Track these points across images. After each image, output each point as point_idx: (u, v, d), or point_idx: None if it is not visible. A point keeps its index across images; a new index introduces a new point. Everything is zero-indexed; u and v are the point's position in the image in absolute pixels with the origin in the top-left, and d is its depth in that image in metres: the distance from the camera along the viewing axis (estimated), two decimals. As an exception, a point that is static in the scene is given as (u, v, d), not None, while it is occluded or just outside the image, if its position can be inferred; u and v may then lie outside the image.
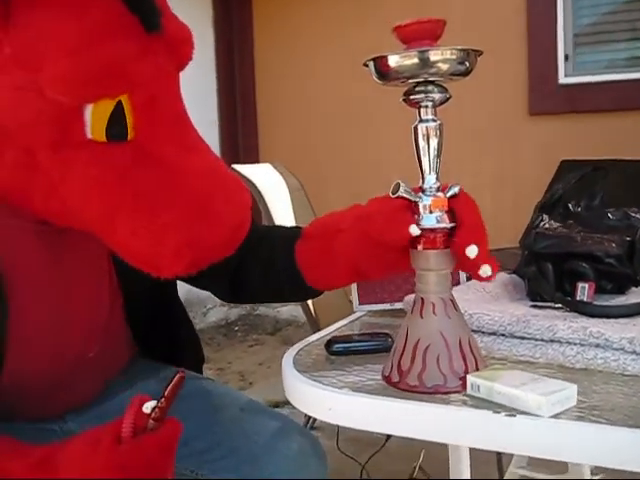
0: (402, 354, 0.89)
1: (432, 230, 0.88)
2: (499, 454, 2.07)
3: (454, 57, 0.85)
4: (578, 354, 0.94)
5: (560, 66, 3.57)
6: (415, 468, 2.00)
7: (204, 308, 4.32)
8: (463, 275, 1.29)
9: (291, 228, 1.14)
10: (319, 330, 1.18)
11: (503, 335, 1.02)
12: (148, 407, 0.83)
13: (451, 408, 0.81)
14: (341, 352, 1.02)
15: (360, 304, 1.26)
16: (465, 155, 3.70)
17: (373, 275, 1.01)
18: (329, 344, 1.03)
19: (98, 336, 1.06)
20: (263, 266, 1.09)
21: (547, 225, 1.23)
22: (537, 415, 0.76)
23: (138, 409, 0.83)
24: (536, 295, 1.15)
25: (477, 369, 0.87)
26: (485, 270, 0.86)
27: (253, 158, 4.40)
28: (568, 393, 0.79)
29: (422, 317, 0.89)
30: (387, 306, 1.25)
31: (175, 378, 0.83)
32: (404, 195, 0.89)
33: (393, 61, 0.86)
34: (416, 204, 0.89)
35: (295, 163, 2.83)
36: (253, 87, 4.50)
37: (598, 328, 0.95)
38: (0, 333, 0.91)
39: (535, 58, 3.60)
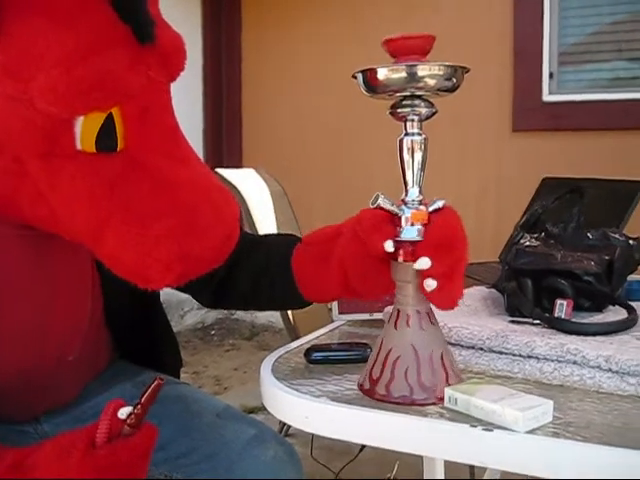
0: (374, 363, 0.90)
1: (412, 243, 0.88)
2: (472, 467, 2.07)
3: (441, 73, 0.86)
4: (555, 370, 0.95)
5: (544, 84, 3.60)
6: (389, 479, 2.00)
7: (181, 311, 4.31)
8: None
9: (291, 235, 1.13)
10: (297, 337, 1.19)
11: (481, 349, 1.02)
12: (123, 413, 0.83)
13: (428, 420, 0.82)
14: (320, 361, 1.02)
15: (339, 313, 1.26)
16: (449, 170, 3.73)
17: (360, 287, 0.97)
18: (308, 352, 1.03)
19: (78, 340, 1.06)
20: (255, 271, 1.08)
21: (527, 243, 1.24)
22: (513, 430, 0.77)
23: (113, 414, 0.83)
24: (515, 310, 1.15)
25: (447, 383, 0.87)
26: (428, 283, 0.85)
27: (236, 163, 4.40)
28: (544, 409, 0.80)
29: (396, 328, 0.89)
30: (366, 316, 1.25)
31: (152, 385, 0.82)
32: (382, 206, 0.89)
33: (381, 74, 0.87)
34: (398, 216, 0.89)
35: (279, 169, 2.82)
36: (239, 92, 4.50)
37: (575, 345, 0.95)
38: None
39: (520, 75, 3.63)
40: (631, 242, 1.23)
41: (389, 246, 0.87)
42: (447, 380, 0.87)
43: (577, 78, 3.65)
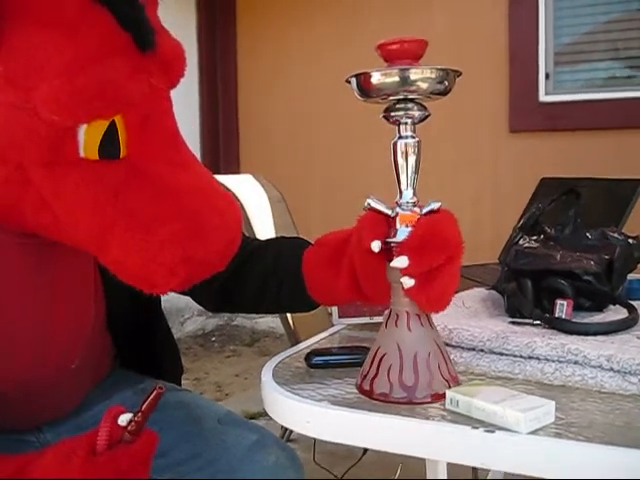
0: (367, 361, 0.92)
1: None
2: (475, 469, 2.07)
3: (434, 76, 0.87)
4: (556, 371, 0.95)
5: (541, 84, 3.60)
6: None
7: (181, 318, 4.31)
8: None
9: (300, 238, 1.13)
10: (297, 342, 1.18)
11: (482, 351, 1.02)
12: (123, 420, 0.83)
13: (429, 423, 0.81)
14: (320, 365, 1.02)
15: (340, 317, 1.26)
16: (446, 171, 3.73)
17: (369, 290, 0.97)
18: (308, 357, 1.03)
19: (81, 347, 1.05)
20: (262, 275, 1.08)
21: (527, 244, 1.24)
22: (515, 431, 0.77)
23: (113, 421, 0.83)
24: (515, 311, 1.15)
25: (430, 386, 0.87)
26: (403, 281, 0.86)
27: (234, 169, 4.40)
28: (546, 410, 0.80)
29: (386, 328, 0.91)
30: (367, 319, 1.25)
31: (153, 393, 0.82)
32: (373, 206, 0.90)
33: (375, 78, 0.88)
34: (393, 218, 0.90)
35: (276, 175, 2.83)
36: (235, 98, 4.50)
37: (576, 345, 0.95)
38: None
39: (516, 76, 3.64)
40: (630, 241, 1.23)
41: (375, 246, 0.88)
42: (431, 382, 0.88)
43: (573, 78, 3.66)
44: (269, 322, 4.31)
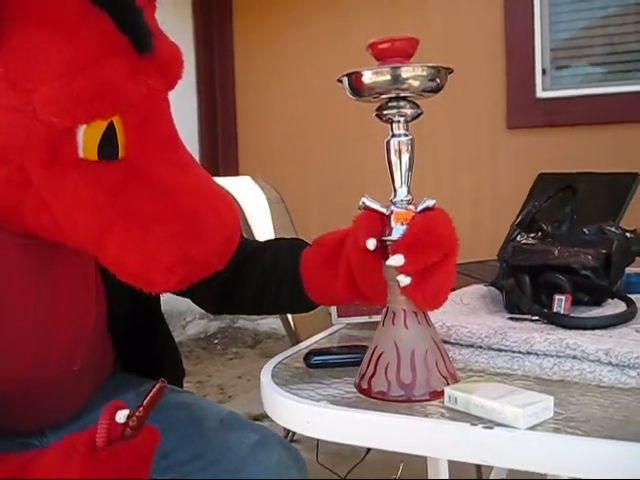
0: (365, 359, 0.92)
1: None
2: (478, 466, 2.07)
3: (425, 74, 0.87)
4: (555, 366, 0.95)
5: (538, 80, 3.60)
6: (394, 480, 2.00)
7: (183, 321, 4.31)
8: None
9: (298, 239, 1.13)
10: (298, 342, 1.18)
11: (481, 347, 1.02)
12: (121, 416, 0.83)
13: (428, 420, 0.81)
14: (319, 365, 1.02)
15: (339, 317, 1.26)
16: (444, 169, 3.73)
17: (366, 289, 0.97)
18: (307, 357, 1.03)
19: (82, 348, 1.06)
20: (261, 276, 1.08)
21: (524, 241, 1.24)
22: (514, 427, 0.77)
23: (111, 416, 0.83)
24: (514, 307, 1.15)
25: (429, 383, 0.87)
26: (399, 279, 0.86)
27: (233, 171, 4.40)
28: (545, 405, 0.79)
29: (383, 326, 0.92)
30: (366, 318, 1.25)
31: (155, 387, 0.83)
32: (368, 205, 0.91)
33: (366, 77, 0.88)
34: (388, 217, 0.90)
35: (275, 177, 2.83)
36: (233, 100, 4.50)
37: (575, 340, 0.95)
38: None
39: (513, 72, 3.64)
40: (628, 235, 1.23)
41: (370, 244, 0.89)
42: (428, 380, 0.88)
43: (570, 73, 3.66)
44: (271, 324, 4.31)
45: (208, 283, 0.96)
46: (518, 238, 1.26)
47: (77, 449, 0.82)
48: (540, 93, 3.60)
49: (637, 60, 3.46)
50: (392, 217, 0.90)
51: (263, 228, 2.21)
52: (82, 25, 0.79)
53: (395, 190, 0.91)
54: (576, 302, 1.14)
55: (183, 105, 4.20)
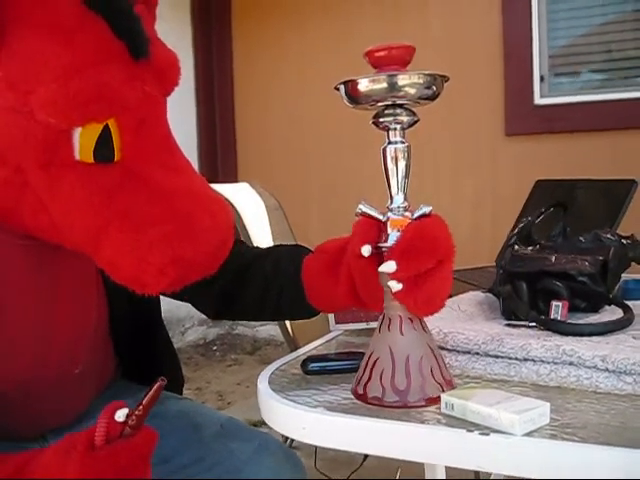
0: (362, 365, 0.92)
1: None
2: (477, 472, 2.07)
3: (421, 82, 0.88)
4: (551, 372, 0.95)
5: (536, 87, 3.61)
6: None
7: (182, 327, 4.30)
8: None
9: (300, 246, 1.14)
10: (297, 349, 1.19)
11: (477, 354, 1.02)
12: (120, 415, 0.83)
13: (424, 427, 0.81)
14: (317, 371, 1.02)
15: (336, 323, 1.26)
16: (444, 176, 3.74)
17: (366, 296, 0.98)
18: (305, 363, 1.03)
19: (84, 352, 1.06)
20: (262, 282, 1.08)
21: (522, 251, 1.24)
22: (510, 433, 0.77)
23: (111, 416, 0.84)
24: (511, 314, 1.15)
25: (423, 389, 0.88)
26: (391, 284, 0.87)
27: (232, 178, 4.40)
28: (541, 411, 0.80)
29: (380, 332, 0.92)
30: (363, 325, 1.25)
31: (155, 386, 0.83)
32: (364, 211, 0.91)
33: (362, 85, 0.89)
34: (384, 223, 0.91)
35: (274, 182, 2.83)
36: (232, 107, 4.51)
37: (571, 346, 0.95)
38: None
39: (511, 79, 3.64)
40: (624, 241, 1.23)
41: (365, 251, 0.90)
42: (423, 386, 0.88)
43: (568, 80, 3.67)
44: (270, 330, 4.30)
45: (209, 288, 0.97)
46: (516, 246, 1.26)
47: (76, 448, 0.83)
48: (538, 100, 3.61)
49: (635, 67, 3.47)
50: (388, 224, 0.91)
51: (261, 235, 2.21)
52: (79, 30, 0.80)
53: (392, 197, 0.92)
54: (573, 308, 1.14)
55: (181, 111, 4.20)
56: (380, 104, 0.90)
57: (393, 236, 0.90)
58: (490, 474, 1.98)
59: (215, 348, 4.37)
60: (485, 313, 1.22)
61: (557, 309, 1.11)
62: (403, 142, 0.91)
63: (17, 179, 0.83)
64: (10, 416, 1.00)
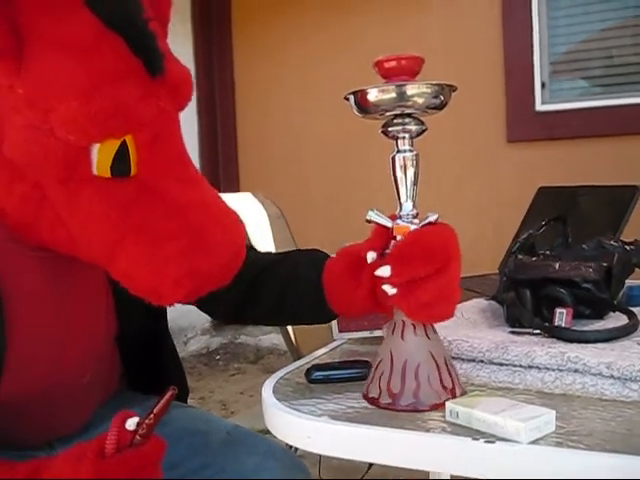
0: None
1: None
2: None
3: (429, 91, 0.90)
4: (556, 379, 0.95)
5: (537, 94, 3.61)
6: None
7: (185, 337, 4.30)
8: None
9: (318, 250, 1.15)
10: (300, 358, 1.18)
11: (482, 361, 1.02)
12: (131, 424, 0.84)
13: (429, 435, 0.81)
14: (321, 380, 1.02)
15: (340, 332, 1.26)
16: (445, 183, 3.73)
17: (382, 298, 0.98)
18: (309, 372, 1.03)
19: (92, 362, 1.07)
20: (280, 286, 1.10)
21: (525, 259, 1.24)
22: (516, 441, 0.76)
23: (121, 424, 0.84)
24: (515, 321, 1.15)
25: (416, 395, 0.89)
26: (383, 288, 0.90)
27: (234, 187, 4.40)
28: (547, 419, 0.79)
29: (386, 335, 0.95)
30: (367, 333, 1.25)
31: (166, 395, 0.84)
32: (372, 219, 0.94)
33: (372, 95, 0.91)
34: (391, 230, 0.93)
35: (276, 192, 2.83)
36: (233, 117, 4.51)
37: (576, 353, 0.95)
38: None
39: (512, 86, 3.64)
40: (627, 247, 1.23)
41: (369, 257, 0.94)
42: (416, 392, 0.89)
43: (569, 86, 3.67)
44: (273, 339, 4.30)
45: (223, 295, 0.98)
46: (519, 255, 1.26)
47: (87, 455, 0.84)
48: (539, 106, 3.61)
49: (636, 72, 3.47)
50: (393, 231, 0.92)
51: (264, 243, 2.21)
52: (97, 48, 0.82)
53: (401, 204, 0.94)
54: (577, 315, 1.14)
55: (183, 121, 4.17)
56: (389, 113, 0.92)
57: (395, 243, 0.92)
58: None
59: (218, 357, 4.36)
60: (489, 320, 1.22)
61: (561, 316, 1.11)
62: (412, 150, 0.93)
63: (35, 194, 0.85)
64: (19, 424, 1.01)
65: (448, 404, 0.84)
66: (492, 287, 1.42)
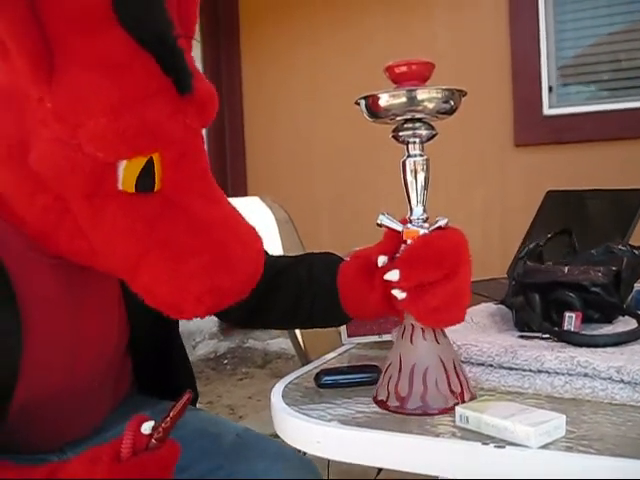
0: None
1: None
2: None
3: (440, 96, 0.90)
4: (566, 384, 0.94)
5: (544, 98, 3.60)
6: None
7: (193, 341, 4.30)
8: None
9: (332, 253, 1.16)
10: (308, 362, 1.19)
11: (491, 366, 1.02)
12: (147, 428, 0.85)
13: (439, 440, 0.81)
14: (330, 385, 1.02)
15: (349, 336, 1.26)
16: (453, 187, 3.73)
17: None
18: (318, 377, 1.03)
19: (104, 368, 1.09)
20: (296, 288, 1.11)
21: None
22: (526, 446, 0.76)
23: (137, 428, 0.85)
24: (524, 325, 1.15)
25: (424, 399, 0.90)
26: (393, 292, 0.90)
27: (241, 192, 4.41)
28: (557, 423, 0.79)
29: (396, 339, 0.95)
30: (375, 338, 1.25)
31: (183, 399, 0.84)
32: (382, 223, 0.95)
33: (383, 100, 0.91)
34: (401, 235, 0.94)
35: (284, 196, 2.83)
36: (241, 121, 4.52)
37: (586, 357, 0.95)
38: (15, 361, 0.92)
39: (520, 90, 3.64)
40: (636, 252, 1.23)
41: (380, 261, 0.95)
42: (423, 396, 0.90)
43: (576, 90, 3.66)
44: (281, 343, 4.30)
45: (240, 303, 0.98)
46: (528, 261, 1.26)
47: (102, 459, 0.84)
48: (547, 110, 3.60)
49: (644, 76, 3.46)
50: (403, 235, 0.93)
51: (272, 247, 2.21)
52: (128, 65, 0.82)
53: (411, 209, 0.94)
54: (586, 319, 1.14)
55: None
56: (399, 118, 0.93)
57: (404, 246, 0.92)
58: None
59: (226, 362, 4.36)
60: (498, 325, 1.21)
61: (570, 320, 1.11)
62: (422, 155, 0.94)
63: (57, 206, 0.85)
64: (32, 429, 1.02)
65: (458, 409, 0.84)
66: (500, 291, 1.42)
